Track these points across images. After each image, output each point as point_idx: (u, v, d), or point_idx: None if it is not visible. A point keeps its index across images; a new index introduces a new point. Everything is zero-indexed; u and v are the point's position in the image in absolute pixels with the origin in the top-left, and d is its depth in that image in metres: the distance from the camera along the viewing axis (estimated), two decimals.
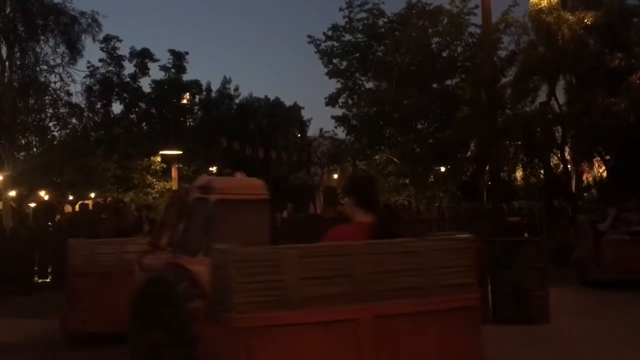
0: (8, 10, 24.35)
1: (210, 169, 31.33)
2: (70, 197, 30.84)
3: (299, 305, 2.79)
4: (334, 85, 24.32)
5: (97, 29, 25.98)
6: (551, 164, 18.83)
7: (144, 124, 28.85)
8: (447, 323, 3.09)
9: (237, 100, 43.24)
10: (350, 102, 24.21)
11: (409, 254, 3.15)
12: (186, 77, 29.15)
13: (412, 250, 3.18)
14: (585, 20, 15.10)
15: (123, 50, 27.57)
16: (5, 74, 24.41)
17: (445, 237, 3.59)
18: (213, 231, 5.36)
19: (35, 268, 13.59)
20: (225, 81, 43.01)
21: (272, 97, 45.75)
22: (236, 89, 43.57)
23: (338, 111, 24.49)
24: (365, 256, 3.01)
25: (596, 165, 22.62)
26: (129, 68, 27.69)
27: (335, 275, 2.89)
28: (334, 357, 2.83)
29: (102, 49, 27.06)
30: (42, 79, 25.43)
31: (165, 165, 26.71)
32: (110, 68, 27.36)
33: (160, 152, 25.93)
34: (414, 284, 3.08)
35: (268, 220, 6.04)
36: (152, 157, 26.52)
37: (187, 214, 5.74)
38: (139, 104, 28.13)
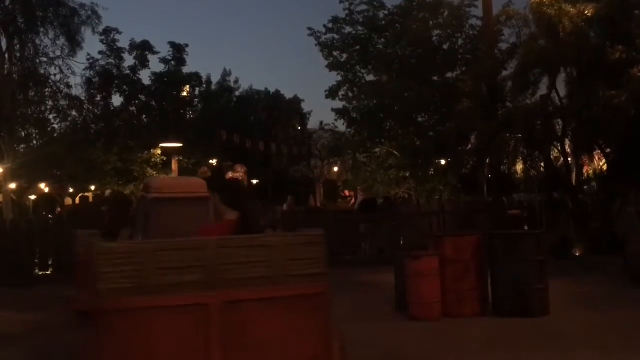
0: (8, 2, 24.28)
1: (211, 161, 31.34)
2: (71, 190, 30.86)
3: (155, 291, 3.27)
4: (334, 77, 24.28)
5: (96, 21, 25.96)
6: (551, 156, 18.77)
7: (144, 116, 28.81)
8: (295, 308, 3.54)
9: (237, 93, 43.26)
10: (350, 94, 24.15)
11: (261, 248, 3.62)
12: (186, 70, 29.13)
13: (264, 244, 3.65)
14: (587, 13, 15.02)
15: (123, 42, 27.54)
16: (5, 66, 24.37)
17: (296, 233, 4.12)
18: (150, 226, 5.88)
19: (36, 260, 13.62)
20: (226, 74, 43.03)
21: (272, 90, 45.80)
22: (236, 82, 43.59)
23: (338, 104, 24.46)
24: (218, 250, 3.47)
25: (596, 158, 22.56)
26: (128, 60, 27.67)
27: (190, 266, 3.37)
28: (187, 338, 3.29)
29: (101, 41, 27.01)
30: (42, 71, 25.41)
31: (165, 158, 26.70)
32: (110, 60, 27.31)
33: (161, 145, 25.91)
34: (264, 274, 3.54)
35: (209, 216, 6.48)
36: (152, 150, 26.50)
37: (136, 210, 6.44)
38: (139, 96, 28.08)
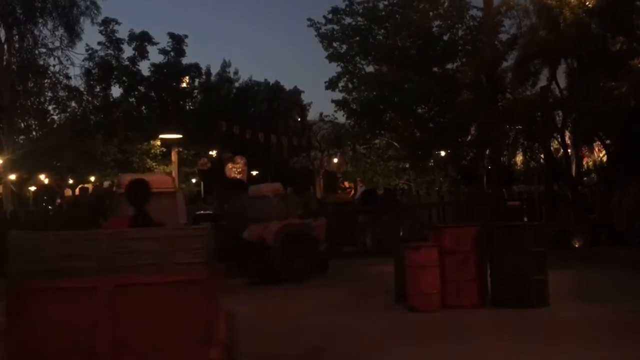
0: None
1: (210, 152, 31.33)
2: (70, 181, 30.86)
3: (57, 275, 3.92)
4: (334, 69, 24.23)
5: (95, 11, 25.89)
6: (551, 148, 18.76)
7: (144, 107, 28.76)
8: (177, 293, 4.11)
9: (236, 84, 43.15)
10: (350, 86, 24.12)
11: (150, 240, 4.23)
12: (185, 61, 29.03)
13: (153, 236, 4.27)
14: (587, 3, 14.97)
15: (122, 33, 27.44)
16: (4, 57, 24.30)
17: (182, 227, 5.03)
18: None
19: None
20: (225, 64, 42.90)
21: (272, 81, 45.69)
22: (236, 73, 43.47)
23: (338, 95, 24.44)
24: (111, 241, 4.13)
25: (596, 149, 22.56)
26: (128, 51, 27.58)
27: (86, 255, 4.02)
28: (81, 317, 3.93)
29: (100, 32, 26.90)
30: (41, 62, 25.37)
31: (165, 149, 26.67)
32: (109, 51, 27.21)
33: (160, 136, 25.87)
34: (150, 262, 4.13)
35: (175, 209, 7.41)
36: (151, 141, 26.47)
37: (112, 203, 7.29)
38: (139, 87, 28.01)
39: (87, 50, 26.82)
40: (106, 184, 24.17)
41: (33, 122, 26.87)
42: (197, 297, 4.19)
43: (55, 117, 27.03)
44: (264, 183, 17.97)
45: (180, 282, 4.16)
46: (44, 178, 33.03)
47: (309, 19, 23.96)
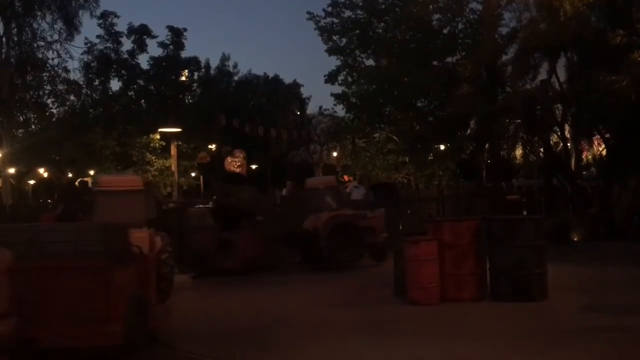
0: None
1: (210, 146, 31.27)
2: (70, 175, 30.83)
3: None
4: (333, 62, 24.16)
5: (94, 4, 25.78)
6: (551, 142, 18.75)
7: (143, 101, 28.69)
8: (82, 276, 5.29)
9: (236, 78, 43.10)
10: (349, 79, 24.05)
11: (63, 232, 5.57)
12: (185, 54, 28.94)
13: (66, 230, 5.57)
14: None
15: (121, 26, 27.34)
16: (3, 51, 24.20)
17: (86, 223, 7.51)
18: (94, 213, 8.42)
19: None
20: (224, 58, 42.85)
21: (271, 75, 45.63)
22: (235, 66, 43.42)
23: (338, 89, 24.36)
24: (36, 232, 5.66)
25: (596, 143, 22.55)
26: (126, 45, 27.49)
27: (19, 242, 5.35)
28: (14, 292, 5.10)
29: (99, 25, 26.81)
30: (40, 56, 25.26)
31: (164, 143, 26.63)
32: (108, 44, 27.14)
33: (159, 130, 25.82)
34: (63, 250, 5.38)
35: (143, 205, 8.67)
36: (151, 135, 26.42)
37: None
38: (138, 81, 27.94)
39: (85, 44, 26.78)
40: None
41: (32, 116, 26.78)
42: (97, 280, 5.25)
43: (54, 111, 26.98)
44: (317, 176, 18.93)
45: (82, 267, 5.29)
46: (43, 172, 32.99)
47: (309, 12, 23.88)
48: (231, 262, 11.63)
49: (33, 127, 27.10)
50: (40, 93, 26.01)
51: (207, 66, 38.17)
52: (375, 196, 16.82)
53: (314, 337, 6.65)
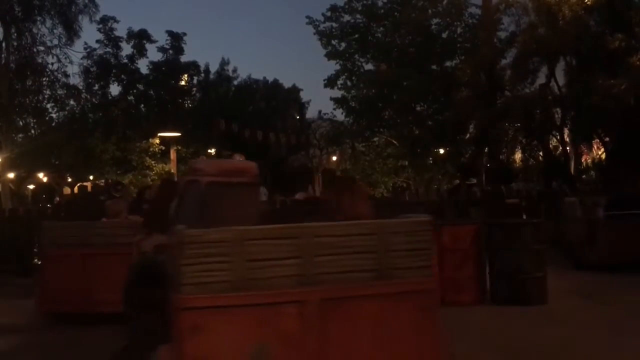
0: None
1: (209, 151, 31.28)
2: (69, 179, 30.81)
3: None
4: (333, 66, 24.22)
5: (94, 9, 25.74)
6: (550, 146, 18.78)
7: (142, 105, 28.68)
8: None
9: (235, 82, 43.05)
10: (349, 83, 24.11)
11: None
12: (184, 59, 28.96)
13: None
14: (586, 1, 14.97)
15: (120, 31, 27.37)
16: (2, 56, 24.20)
17: None
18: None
19: (35, 250, 13.62)
20: (224, 62, 42.79)
21: (270, 79, 45.57)
22: (234, 71, 43.35)
23: (337, 93, 24.43)
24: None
25: (595, 147, 22.58)
26: (126, 49, 27.52)
27: None
28: None
29: (99, 30, 26.83)
30: (39, 60, 25.23)
31: (163, 147, 26.64)
32: (108, 49, 27.15)
33: (159, 134, 25.83)
34: None
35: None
36: (150, 139, 26.43)
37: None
38: (137, 85, 27.95)
39: (85, 49, 26.78)
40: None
41: (31, 121, 26.74)
42: None
43: (54, 116, 26.92)
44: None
45: None
46: (42, 176, 32.96)
47: (308, 17, 23.98)
48: None
49: (32, 131, 27.07)
50: (40, 98, 25.99)
51: (207, 71, 38.15)
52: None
53: None
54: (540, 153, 17.91)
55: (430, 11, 22.25)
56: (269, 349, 3.14)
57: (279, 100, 44.69)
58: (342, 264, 3.30)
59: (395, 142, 23.31)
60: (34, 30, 24.66)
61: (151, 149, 26.57)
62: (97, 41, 26.95)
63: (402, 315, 3.34)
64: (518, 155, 21.71)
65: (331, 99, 24.50)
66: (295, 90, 46.11)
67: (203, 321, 3.08)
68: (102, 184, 24.69)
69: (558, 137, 17.71)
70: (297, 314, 3.17)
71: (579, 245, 11.05)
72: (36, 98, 25.79)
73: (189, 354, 3.07)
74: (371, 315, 3.30)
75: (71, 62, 25.96)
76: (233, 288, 3.13)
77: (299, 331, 3.17)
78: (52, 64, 25.38)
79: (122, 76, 27.33)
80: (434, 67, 22.50)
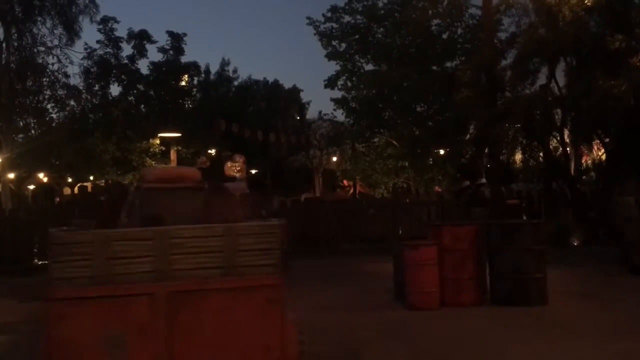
0: None
1: (209, 151, 31.30)
2: (69, 180, 30.82)
3: None
4: (333, 67, 24.24)
5: (94, 10, 25.76)
6: (550, 146, 18.77)
7: (143, 106, 28.70)
8: None
9: (236, 83, 43.08)
10: (349, 84, 24.12)
11: None
12: (184, 59, 28.97)
13: None
14: (586, 2, 14.95)
15: (121, 31, 27.38)
16: (3, 56, 24.21)
17: None
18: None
19: (35, 250, 13.64)
20: (224, 63, 42.82)
21: (271, 80, 45.62)
22: (235, 71, 43.39)
23: (337, 93, 24.45)
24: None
25: (595, 148, 22.59)
26: (126, 50, 27.53)
27: None
28: None
29: (99, 30, 26.84)
30: (40, 61, 25.25)
31: (164, 148, 26.64)
32: (108, 50, 27.16)
33: (159, 135, 25.83)
34: None
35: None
36: (150, 140, 26.43)
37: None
38: (137, 86, 27.96)
39: (85, 49, 26.78)
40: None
41: (32, 121, 26.74)
42: None
43: (54, 116, 26.92)
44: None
45: None
46: (42, 177, 32.97)
47: (308, 17, 24.00)
48: None
49: (33, 132, 27.08)
50: (40, 98, 25.99)
51: (207, 71, 38.20)
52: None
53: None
54: (541, 154, 17.88)
55: (430, 12, 22.24)
56: (124, 335, 3.76)
57: (279, 100, 44.72)
58: (192, 262, 3.91)
59: (395, 142, 23.31)
60: (35, 31, 24.68)
61: (151, 150, 26.57)
62: (98, 41, 26.98)
63: (249, 306, 3.94)
64: (518, 156, 21.70)
65: (331, 99, 24.56)
66: (295, 91, 46.16)
67: (68, 311, 3.76)
68: (102, 184, 24.74)
69: (558, 138, 17.69)
70: (148, 305, 3.79)
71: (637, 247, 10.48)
72: (36, 98, 25.80)
73: (55, 339, 3.75)
74: (217, 307, 3.91)
75: (71, 63, 25.99)
76: (95, 282, 3.78)
77: (149, 320, 3.79)
78: (53, 64, 25.40)
79: (123, 76, 27.34)
80: (434, 67, 22.52)
